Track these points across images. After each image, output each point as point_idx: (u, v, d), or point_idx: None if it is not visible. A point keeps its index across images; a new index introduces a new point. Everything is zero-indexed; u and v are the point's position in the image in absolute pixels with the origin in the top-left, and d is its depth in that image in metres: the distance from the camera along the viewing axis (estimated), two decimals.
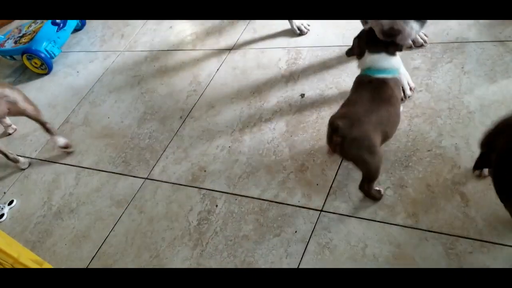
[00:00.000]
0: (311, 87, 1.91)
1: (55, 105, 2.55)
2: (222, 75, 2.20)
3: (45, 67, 2.76)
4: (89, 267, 1.68)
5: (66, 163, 2.15)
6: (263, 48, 2.22)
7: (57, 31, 2.78)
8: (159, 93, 2.28)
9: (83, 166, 2.10)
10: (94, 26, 3.03)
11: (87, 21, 3.05)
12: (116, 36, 2.83)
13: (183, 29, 2.62)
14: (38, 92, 2.70)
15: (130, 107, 2.28)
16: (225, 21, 2.50)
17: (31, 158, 2.26)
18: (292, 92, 1.94)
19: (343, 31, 2.07)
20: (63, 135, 2.25)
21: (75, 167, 2.11)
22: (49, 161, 2.20)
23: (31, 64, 2.78)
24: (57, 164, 2.16)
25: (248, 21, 2.41)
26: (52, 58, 2.77)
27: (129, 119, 2.22)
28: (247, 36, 2.33)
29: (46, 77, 2.80)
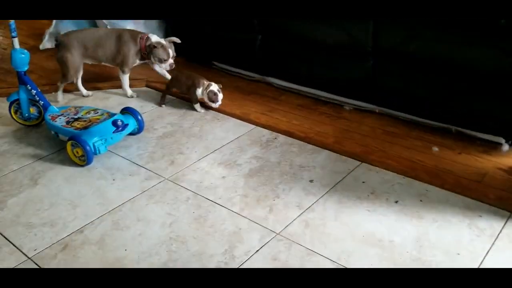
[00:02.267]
0: None
1: (76, 206, 2.38)
2: (260, 260, 2.03)
3: (85, 160, 2.64)
4: None
5: None
6: (311, 250, 2.08)
7: (114, 132, 2.71)
8: (188, 247, 2.10)
9: None
10: (148, 138, 2.97)
11: (144, 130, 2.98)
12: (166, 160, 2.74)
13: (235, 185, 2.52)
14: (65, 183, 2.55)
15: (152, 249, 2.09)
16: (279, 196, 2.41)
17: None
18: None
19: None
20: (70, 246, 2.06)
21: None
22: None
23: (72, 152, 2.67)
24: None
25: (304, 209, 2.31)
26: (96, 154, 2.66)
27: (146, 263, 2.02)
28: (298, 226, 2.21)
29: (79, 169, 2.66)
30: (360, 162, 2.65)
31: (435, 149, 2.68)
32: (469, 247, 2.02)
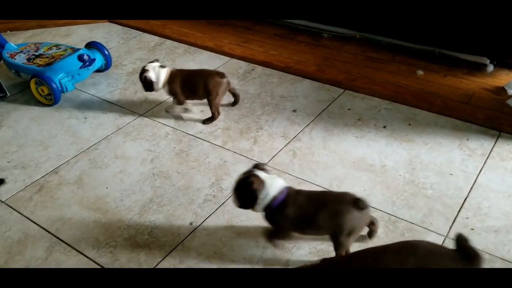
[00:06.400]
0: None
1: (48, 147, 2.21)
2: None
3: (52, 99, 2.45)
4: None
5: (42, 225, 1.79)
6: (301, 179, 2.00)
7: (80, 67, 2.51)
8: (173, 182, 2.00)
9: (61, 238, 1.74)
10: (118, 74, 2.78)
11: (112, 66, 2.79)
12: (139, 96, 2.58)
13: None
14: (32, 122, 2.37)
15: (136, 186, 1.98)
16: (263, 128, 2.31)
17: None
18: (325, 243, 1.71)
19: (394, 197, 1.89)
20: (46, 188, 1.93)
21: (50, 235, 1.75)
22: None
23: (37, 90, 2.46)
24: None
25: (289, 139, 2.23)
26: (63, 92, 2.47)
27: (131, 200, 1.91)
28: (285, 156, 2.13)
29: (47, 109, 2.47)
30: (343, 90, 2.56)
31: (420, 72, 2.61)
32: (461, 167, 2.00)
